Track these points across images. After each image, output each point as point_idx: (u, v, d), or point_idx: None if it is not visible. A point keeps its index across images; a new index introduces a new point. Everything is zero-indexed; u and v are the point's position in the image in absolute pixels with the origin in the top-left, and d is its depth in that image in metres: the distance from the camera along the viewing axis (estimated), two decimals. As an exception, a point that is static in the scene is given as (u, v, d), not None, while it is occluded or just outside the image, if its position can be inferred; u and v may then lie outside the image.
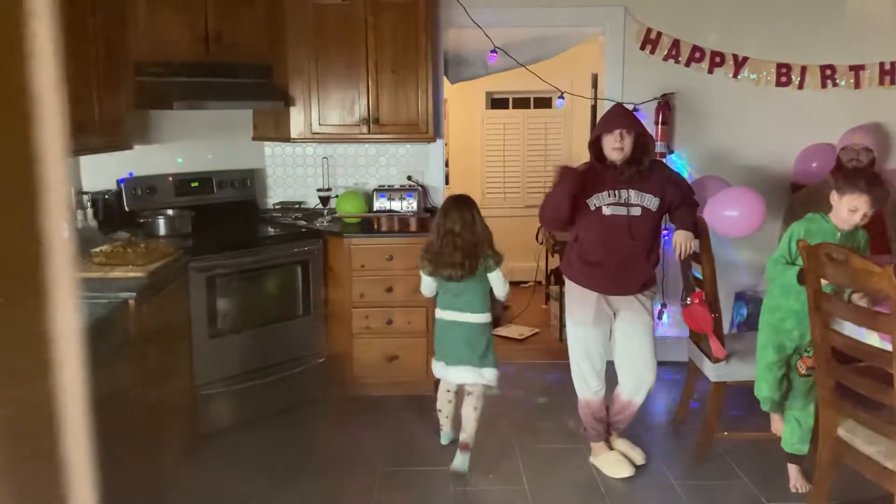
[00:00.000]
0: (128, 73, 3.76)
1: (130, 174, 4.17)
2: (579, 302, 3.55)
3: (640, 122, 3.51)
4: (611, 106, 3.68)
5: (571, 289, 3.60)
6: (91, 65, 3.31)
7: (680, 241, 3.50)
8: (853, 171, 3.91)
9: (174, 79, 3.92)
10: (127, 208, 4.10)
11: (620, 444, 3.72)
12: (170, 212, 4.12)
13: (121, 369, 2.83)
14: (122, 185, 4.11)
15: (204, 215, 4.24)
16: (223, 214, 4.46)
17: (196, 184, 4.42)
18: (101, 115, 3.37)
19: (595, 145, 3.48)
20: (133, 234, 3.83)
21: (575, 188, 3.30)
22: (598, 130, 3.47)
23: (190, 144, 4.47)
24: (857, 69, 4.71)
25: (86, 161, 4.04)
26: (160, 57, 3.87)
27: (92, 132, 3.28)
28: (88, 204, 3.82)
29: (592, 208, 3.41)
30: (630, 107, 4.67)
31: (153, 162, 4.28)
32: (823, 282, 2.85)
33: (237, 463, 3.67)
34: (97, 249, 3.31)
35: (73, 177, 4.02)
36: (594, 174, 3.44)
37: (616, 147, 3.37)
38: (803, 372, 3.24)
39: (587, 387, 3.62)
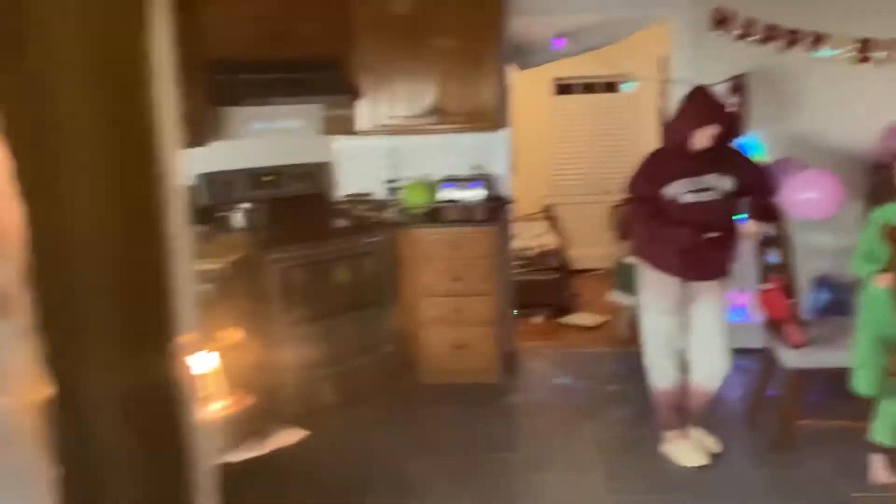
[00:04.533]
0: (201, 72, 3.87)
1: (205, 170, 4.29)
2: (659, 289, 3.49)
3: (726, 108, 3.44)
4: (694, 91, 3.46)
5: (650, 276, 3.53)
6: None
7: (749, 231, 3.42)
8: None
9: (245, 76, 4.01)
10: (204, 203, 4.23)
11: (696, 432, 3.66)
12: (245, 206, 4.24)
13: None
14: (199, 181, 4.24)
15: (277, 209, 4.34)
16: (295, 207, 4.55)
17: (269, 178, 4.53)
18: (179, 113, 3.47)
19: (675, 131, 3.41)
20: (210, 229, 3.96)
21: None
22: (691, 125, 3.32)
23: (263, 139, 4.57)
24: (944, 42, 4.48)
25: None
26: (231, 55, 3.96)
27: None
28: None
29: (672, 198, 3.35)
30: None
31: (228, 157, 4.40)
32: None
33: (313, 450, 3.75)
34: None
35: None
36: (667, 162, 3.38)
37: (709, 137, 3.30)
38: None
39: (665, 376, 3.57)
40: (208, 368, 1.18)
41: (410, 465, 3.60)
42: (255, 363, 3.56)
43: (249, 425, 1.21)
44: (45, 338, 0.96)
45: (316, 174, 4.79)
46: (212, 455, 1.14)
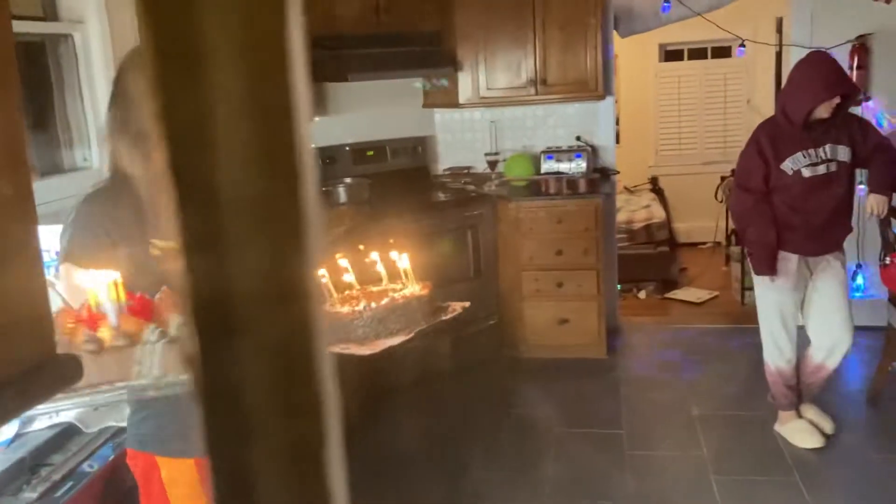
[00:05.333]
0: (305, 48, 3.95)
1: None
2: (779, 266, 3.35)
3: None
4: (814, 58, 3.26)
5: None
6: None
7: (873, 204, 3.22)
8: None
9: (347, 51, 4.07)
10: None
11: (810, 411, 3.50)
12: (348, 180, 4.32)
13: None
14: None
15: (380, 183, 4.40)
16: (397, 181, 4.61)
17: (371, 153, 4.59)
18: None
19: (794, 102, 3.20)
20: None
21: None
22: (812, 97, 3.10)
23: (364, 115, 4.64)
24: None
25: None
26: (333, 30, 4.03)
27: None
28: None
29: (790, 172, 3.19)
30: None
31: (331, 133, 4.49)
32: None
33: (414, 420, 3.83)
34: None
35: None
36: (782, 133, 3.21)
37: (831, 109, 3.11)
38: None
39: (781, 355, 3.42)
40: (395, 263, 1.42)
41: (511, 440, 3.61)
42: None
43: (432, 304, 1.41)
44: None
45: (417, 148, 4.83)
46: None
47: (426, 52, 4.40)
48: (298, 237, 0.28)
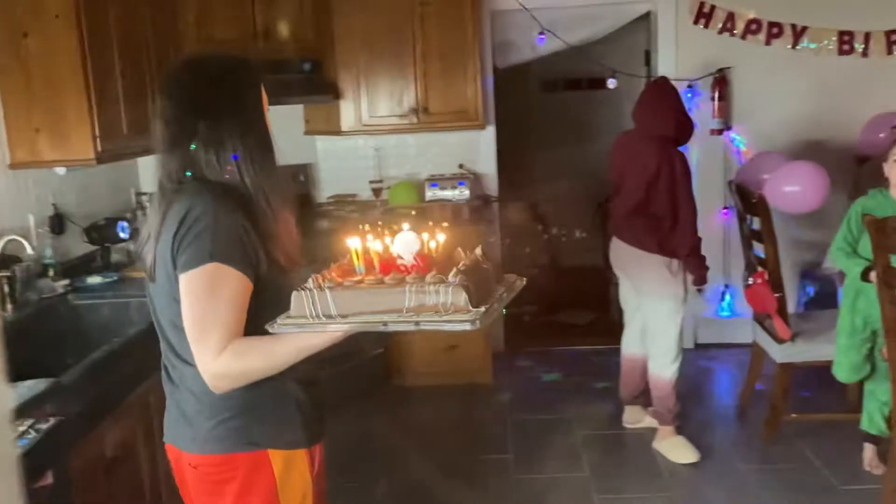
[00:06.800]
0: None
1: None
2: (678, 276, 3.48)
3: None
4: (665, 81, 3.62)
5: (667, 265, 3.45)
6: (144, 68, 3.38)
7: None
8: None
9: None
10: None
11: (648, 418, 3.77)
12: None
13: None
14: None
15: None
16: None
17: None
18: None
19: (690, 123, 3.50)
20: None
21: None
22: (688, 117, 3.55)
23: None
24: (925, 33, 4.49)
25: (143, 163, 4.14)
26: (199, 53, 3.92)
27: (148, 135, 3.34)
28: (148, 204, 3.91)
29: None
30: (685, 83, 4.57)
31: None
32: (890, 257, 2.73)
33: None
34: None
35: (132, 178, 4.12)
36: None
37: None
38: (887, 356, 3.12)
39: (678, 369, 3.57)
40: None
41: (398, 469, 3.57)
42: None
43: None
44: None
45: (299, 175, 4.76)
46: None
47: (306, 80, 4.36)
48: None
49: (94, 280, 3.18)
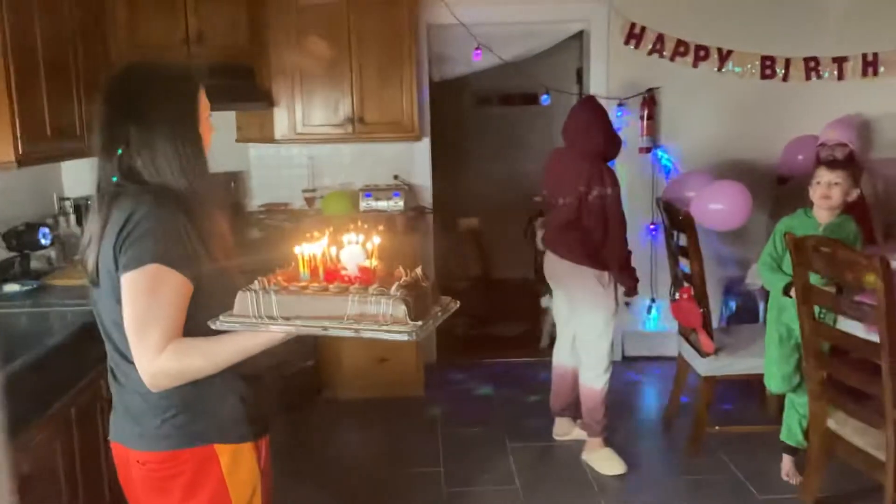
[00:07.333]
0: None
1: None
2: (609, 289, 3.53)
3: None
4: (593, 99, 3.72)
5: (599, 278, 3.50)
6: (70, 69, 3.27)
7: None
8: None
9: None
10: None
11: (576, 430, 3.84)
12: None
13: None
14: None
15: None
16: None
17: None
18: (82, 120, 3.32)
19: (614, 144, 3.58)
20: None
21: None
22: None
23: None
24: (840, 61, 4.71)
25: (67, 167, 4.00)
26: (142, 58, 3.82)
27: (72, 138, 3.23)
28: (71, 210, 3.78)
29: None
30: (615, 102, 4.68)
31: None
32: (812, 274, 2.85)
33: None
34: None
35: (54, 183, 3.97)
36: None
37: None
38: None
39: (609, 379, 3.63)
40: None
41: (328, 483, 3.52)
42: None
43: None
44: None
45: (230, 183, 4.67)
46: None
47: (239, 86, 4.28)
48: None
49: (11, 288, 3.04)
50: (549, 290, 5.12)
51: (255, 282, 1.51)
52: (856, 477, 2.85)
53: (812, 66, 4.73)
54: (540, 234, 5.14)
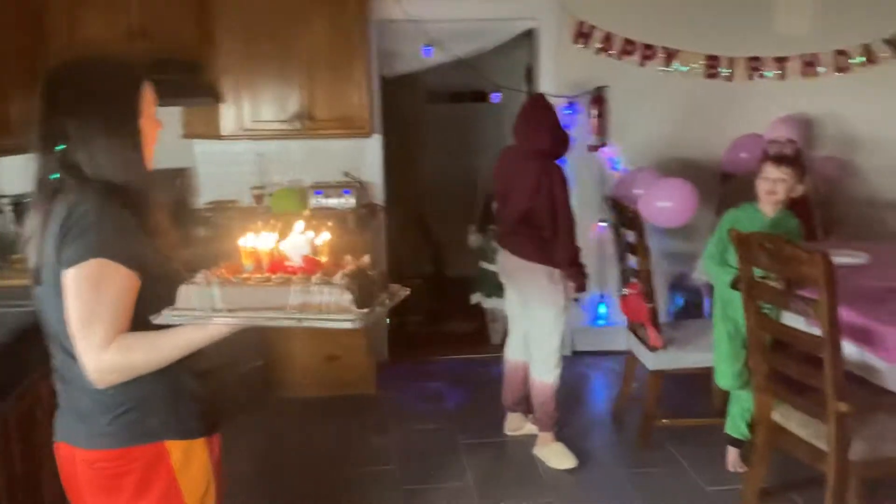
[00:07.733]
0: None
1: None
2: (560, 285, 3.55)
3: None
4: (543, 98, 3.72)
5: (549, 275, 3.52)
6: (10, 64, 3.15)
7: None
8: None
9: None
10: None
11: (528, 425, 3.88)
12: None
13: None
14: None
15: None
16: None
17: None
18: (18, 115, 3.20)
19: (562, 142, 3.58)
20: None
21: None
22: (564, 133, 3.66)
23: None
24: (782, 61, 4.83)
25: (4, 163, 3.86)
26: (82, 53, 3.71)
27: (8, 133, 3.12)
28: (9, 208, 3.65)
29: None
30: (564, 100, 4.72)
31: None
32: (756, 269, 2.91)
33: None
34: (18, 255, 3.17)
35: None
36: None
37: None
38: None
39: (559, 374, 3.65)
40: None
41: (279, 483, 3.48)
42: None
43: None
44: None
45: (176, 180, 4.57)
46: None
47: (185, 81, 4.19)
48: None
49: (-56, 289, 2.92)
50: (480, 288, 5.18)
51: (198, 274, 1.50)
52: (799, 467, 2.92)
53: (755, 66, 4.84)
54: (473, 231, 5.21)
